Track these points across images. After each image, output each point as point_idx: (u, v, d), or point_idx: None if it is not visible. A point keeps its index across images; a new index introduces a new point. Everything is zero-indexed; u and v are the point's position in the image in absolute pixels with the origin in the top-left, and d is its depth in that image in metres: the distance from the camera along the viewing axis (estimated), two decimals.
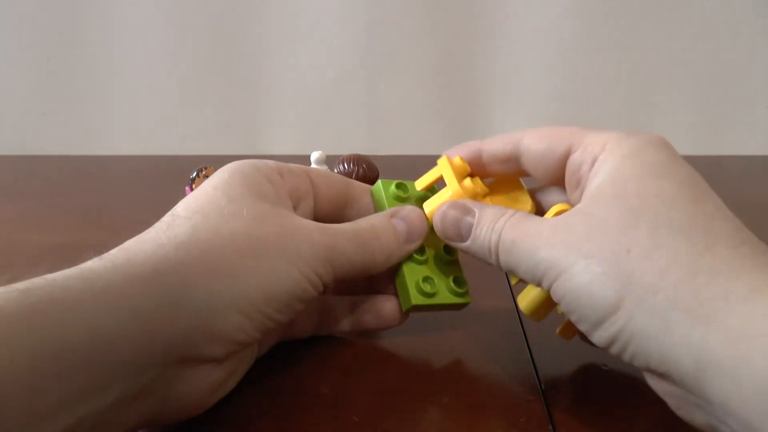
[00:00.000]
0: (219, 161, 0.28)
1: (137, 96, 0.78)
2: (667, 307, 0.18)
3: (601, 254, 0.20)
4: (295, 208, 0.26)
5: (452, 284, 0.28)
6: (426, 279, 0.28)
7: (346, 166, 0.36)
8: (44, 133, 0.79)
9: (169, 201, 0.25)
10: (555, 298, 0.22)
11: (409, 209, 0.27)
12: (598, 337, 0.20)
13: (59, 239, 0.44)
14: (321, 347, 0.29)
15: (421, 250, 0.28)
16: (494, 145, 0.27)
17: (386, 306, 0.28)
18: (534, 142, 0.25)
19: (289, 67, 0.78)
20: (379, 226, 0.26)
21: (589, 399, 0.26)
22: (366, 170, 0.36)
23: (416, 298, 0.27)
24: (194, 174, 0.41)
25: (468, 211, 0.25)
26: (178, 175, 0.46)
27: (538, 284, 0.22)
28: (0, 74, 0.78)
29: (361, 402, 0.25)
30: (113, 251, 0.21)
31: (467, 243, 0.25)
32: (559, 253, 0.21)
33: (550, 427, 0.24)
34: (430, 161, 0.28)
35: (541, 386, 0.26)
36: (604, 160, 0.22)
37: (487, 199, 0.28)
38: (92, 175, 0.65)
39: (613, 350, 0.20)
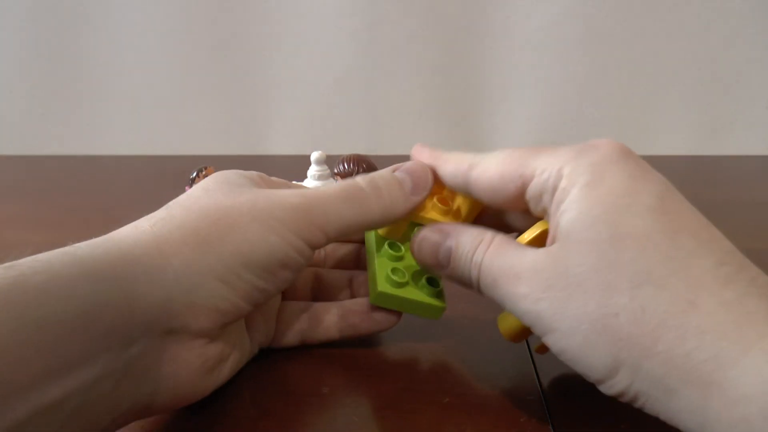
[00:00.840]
0: (219, 161, 0.28)
1: (137, 96, 0.78)
2: (664, 374, 0.18)
3: (587, 316, 0.19)
4: None
5: (425, 281, 0.28)
6: (396, 270, 0.27)
7: (346, 166, 0.36)
8: (44, 133, 0.79)
9: (169, 201, 0.25)
10: (551, 350, 0.21)
11: (413, 163, 0.27)
12: (605, 390, 0.20)
13: (59, 239, 0.44)
14: (321, 347, 0.29)
15: (396, 247, 0.28)
16: (446, 166, 0.26)
17: (379, 310, 0.28)
18: (483, 176, 0.24)
19: (289, 67, 0.78)
20: (381, 180, 0.26)
21: (589, 399, 0.26)
22: (366, 170, 0.36)
23: (383, 286, 0.27)
24: (194, 174, 0.41)
25: (446, 236, 0.24)
26: (178, 175, 0.46)
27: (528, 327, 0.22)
28: (0, 74, 0.78)
29: (361, 402, 0.25)
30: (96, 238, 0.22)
31: (447, 271, 0.25)
32: (543, 309, 0.20)
33: (550, 427, 0.24)
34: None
35: (541, 386, 0.26)
36: (567, 192, 0.21)
37: (464, 206, 0.27)
38: (92, 175, 0.65)
39: (623, 400, 0.20)
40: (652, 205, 0.20)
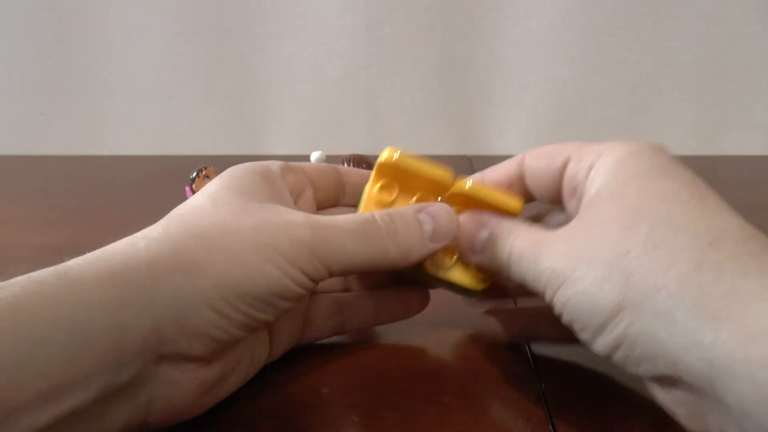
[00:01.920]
0: (219, 161, 0.28)
1: (137, 96, 0.78)
2: (671, 306, 0.17)
3: (600, 258, 0.20)
4: (296, 203, 0.26)
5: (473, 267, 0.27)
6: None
7: (346, 167, 0.36)
8: (44, 133, 0.79)
9: (169, 201, 0.25)
10: (557, 310, 0.21)
11: (439, 207, 0.25)
12: (602, 344, 0.20)
13: (59, 239, 0.44)
14: (320, 347, 0.29)
15: None
16: (496, 172, 0.27)
17: (412, 293, 0.28)
18: (534, 161, 0.26)
19: (289, 67, 0.78)
20: (400, 220, 0.24)
21: (589, 399, 0.26)
22: (366, 170, 0.36)
23: (431, 269, 0.26)
24: (194, 174, 0.41)
25: (483, 226, 0.25)
26: (178, 175, 0.46)
27: (542, 295, 0.22)
28: (0, 74, 0.78)
29: (361, 402, 0.25)
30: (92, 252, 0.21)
31: (478, 257, 0.25)
32: (560, 261, 0.21)
33: (550, 427, 0.24)
34: (431, 161, 0.28)
35: (541, 386, 0.26)
36: (602, 165, 0.22)
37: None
38: (92, 175, 0.65)
39: (617, 357, 0.20)
40: (681, 177, 0.21)
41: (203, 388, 0.22)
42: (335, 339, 0.30)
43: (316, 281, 0.23)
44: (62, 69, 0.78)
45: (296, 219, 0.23)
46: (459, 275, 0.26)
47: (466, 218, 0.26)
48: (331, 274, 0.23)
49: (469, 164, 0.68)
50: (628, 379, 0.27)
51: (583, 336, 0.21)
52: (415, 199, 0.27)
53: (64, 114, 0.79)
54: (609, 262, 0.19)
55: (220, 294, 0.20)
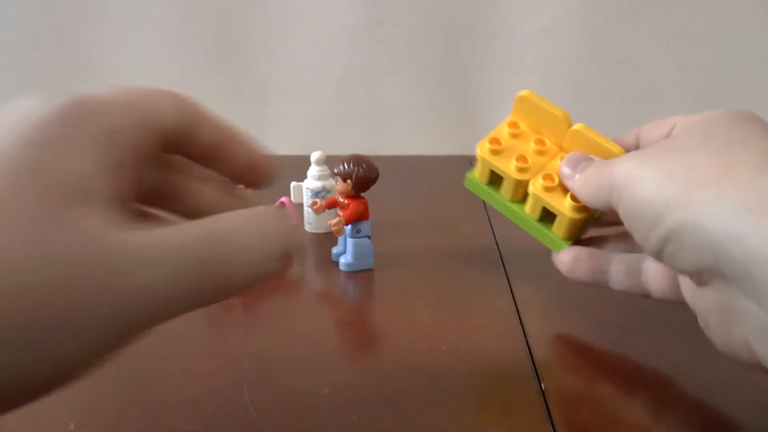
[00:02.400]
0: None
1: None
2: (720, 199, 0.19)
3: (670, 167, 0.21)
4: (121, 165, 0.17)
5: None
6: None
7: (346, 166, 0.36)
8: None
9: None
10: (621, 212, 0.23)
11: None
12: (654, 238, 0.21)
13: None
14: (320, 347, 0.29)
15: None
16: (652, 130, 0.29)
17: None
18: (646, 132, 0.29)
19: (289, 67, 0.78)
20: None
21: (589, 399, 0.26)
22: (366, 170, 0.36)
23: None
24: None
25: (587, 158, 0.28)
26: None
27: (610, 203, 0.24)
28: (0, 74, 0.78)
29: (361, 402, 0.25)
30: None
31: (576, 178, 0.28)
32: (633, 168, 0.23)
33: (550, 427, 0.24)
34: (430, 161, 0.28)
35: (541, 386, 0.26)
36: (696, 117, 0.24)
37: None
38: None
39: (667, 251, 0.21)
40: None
41: None
42: (335, 339, 0.30)
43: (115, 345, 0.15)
44: (62, 69, 0.78)
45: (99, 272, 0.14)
46: (557, 200, 0.29)
47: (572, 153, 0.29)
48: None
49: (469, 164, 0.68)
50: (629, 378, 0.27)
51: (635, 234, 0.23)
52: (534, 140, 0.30)
53: None
54: (676, 169, 0.21)
55: None
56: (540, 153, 0.30)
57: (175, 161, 0.21)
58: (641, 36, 0.74)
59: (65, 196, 0.14)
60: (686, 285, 0.24)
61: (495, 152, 0.30)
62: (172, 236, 0.15)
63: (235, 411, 0.25)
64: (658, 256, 0.22)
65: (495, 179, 0.31)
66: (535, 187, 0.29)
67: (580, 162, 0.28)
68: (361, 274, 0.37)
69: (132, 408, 0.25)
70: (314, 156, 0.43)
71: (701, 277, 0.21)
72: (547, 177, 0.29)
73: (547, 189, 0.29)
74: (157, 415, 0.24)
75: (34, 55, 0.77)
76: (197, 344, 0.30)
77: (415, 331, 0.31)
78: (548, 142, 0.31)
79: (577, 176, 0.28)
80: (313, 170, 0.43)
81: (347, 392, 0.26)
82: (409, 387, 0.26)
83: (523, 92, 0.31)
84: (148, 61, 0.78)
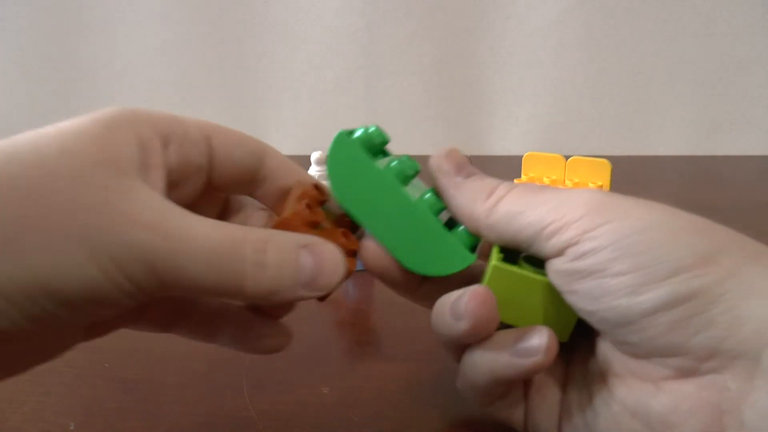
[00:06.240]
0: None
1: (137, 96, 0.78)
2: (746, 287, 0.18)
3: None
4: (175, 186, 0.21)
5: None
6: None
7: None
8: None
9: None
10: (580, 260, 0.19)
11: (328, 248, 0.20)
12: (639, 302, 0.18)
13: None
14: (320, 347, 0.29)
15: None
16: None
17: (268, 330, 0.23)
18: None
19: (289, 67, 0.78)
20: (275, 256, 0.19)
21: None
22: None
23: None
24: None
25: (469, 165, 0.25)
26: None
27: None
28: (0, 74, 0.78)
29: (361, 402, 0.25)
30: None
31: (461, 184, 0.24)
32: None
33: None
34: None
35: None
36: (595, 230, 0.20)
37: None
38: None
39: (667, 316, 0.18)
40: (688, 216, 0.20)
41: None
42: (335, 339, 0.30)
43: (145, 292, 0.18)
44: (62, 69, 0.78)
45: (143, 217, 0.17)
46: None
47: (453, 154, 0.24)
48: (166, 290, 0.18)
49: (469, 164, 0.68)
50: None
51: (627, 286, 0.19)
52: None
53: (64, 114, 0.78)
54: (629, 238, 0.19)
55: (19, 283, 0.16)
56: None
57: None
58: (641, 36, 0.74)
59: (131, 169, 0.18)
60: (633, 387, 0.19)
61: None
62: (212, 231, 0.18)
63: (235, 411, 0.25)
64: (643, 318, 0.18)
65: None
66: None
67: (465, 167, 0.24)
68: (361, 275, 0.37)
69: (132, 408, 0.25)
70: (314, 156, 0.43)
71: (684, 370, 0.18)
72: None
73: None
74: (157, 415, 0.24)
75: (34, 55, 0.78)
76: (197, 344, 0.30)
77: (415, 331, 0.30)
78: None
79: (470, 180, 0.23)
80: (314, 170, 0.43)
81: (347, 392, 0.26)
82: (409, 387, 0.26)
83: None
84: (148, 61, 0.78)
